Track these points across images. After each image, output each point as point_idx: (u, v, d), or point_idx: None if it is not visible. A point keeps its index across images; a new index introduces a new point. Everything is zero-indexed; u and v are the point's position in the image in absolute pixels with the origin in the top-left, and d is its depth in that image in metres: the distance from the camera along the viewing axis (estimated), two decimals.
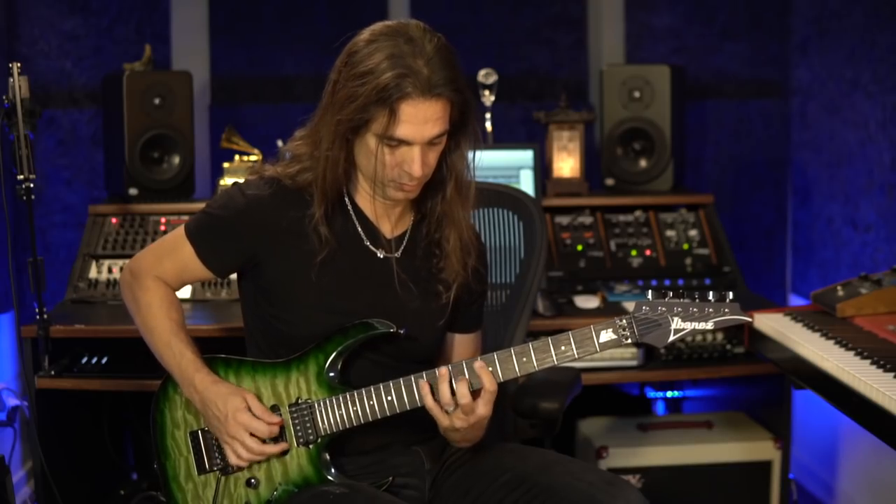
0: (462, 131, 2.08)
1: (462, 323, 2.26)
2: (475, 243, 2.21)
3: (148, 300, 2.17)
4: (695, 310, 1.97)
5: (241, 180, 2.20)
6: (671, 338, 1.97)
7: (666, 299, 1.98)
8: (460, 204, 2.14)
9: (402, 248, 2.16)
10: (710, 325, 1.97)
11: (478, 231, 2.32)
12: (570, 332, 2.01)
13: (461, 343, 2.27)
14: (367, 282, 2.13)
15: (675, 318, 1.97)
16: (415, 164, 1.99)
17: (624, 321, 2.00)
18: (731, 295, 1.97)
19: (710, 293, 1.98)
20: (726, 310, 1.97)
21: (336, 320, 2.09)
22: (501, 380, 2.04)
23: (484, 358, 2.04)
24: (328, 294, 2.10)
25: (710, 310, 1.97)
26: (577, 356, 2.00)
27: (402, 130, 1.97)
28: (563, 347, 2.01)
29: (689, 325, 1.97)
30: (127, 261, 3.29)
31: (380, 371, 2.10)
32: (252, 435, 2.05)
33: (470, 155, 2.11)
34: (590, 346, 2.00)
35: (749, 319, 2.01)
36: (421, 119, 1.96)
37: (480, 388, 2.01)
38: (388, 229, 2.16)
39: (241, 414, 2.04)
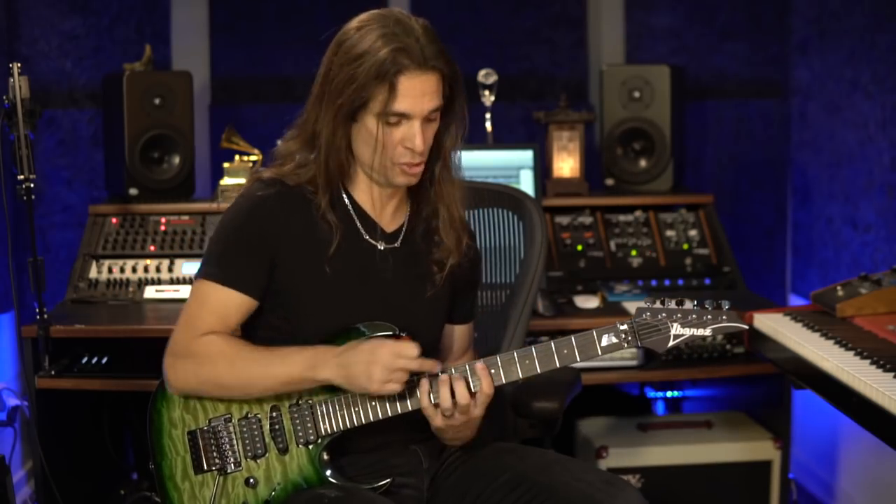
0: (450, 110, 2.10)
1: (459, 313, 2.29)
2: (466, 228, 2.23)
3: (208, 353, 2.06)
4: (694, 316, 2.03)
5: (242, 192, 2.15)
6: (671, 343, 2.02)
7: (666, 305, 2.03)
8: (451, 182, 2.16)
9: (401, 239, 2.18)
10: (707, 332, 2.03)
11: (473, 230, 2.33)
12: (572, 336, 2.04)
13: (459, 333, 2.30)
14: (371, 277, 2.14)
15: (675, 324, 2.02)
16: (416, 138, 2.02)
17: (625, 326, 2.03)
18: (727, 304, 2.02)
19: (708, 301, 2.03)
20: (724, 317, 2.03)
21: (342, 319, 2.10)
22: (504, 381, 2.06)
23: (486, 360, 2.06)
24: (334, 291, 2.11)
25: (709, 317, 2.02)
26: (579, 360, 2.04)
27: (401, 104, 2.00)
28: (565, 351, 2.04)
29: (687, 332, 2.02)
30: (127, 261, 3.36)
31: None
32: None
33: (458, 134, 2.13)
34: (592, 350, 2.04)
35: (745, 327, 2.06)
36: (419, 92, 2.00)
37: (477, 391, 2.03)
38: (386, 223, 2.18)
39: (383, 346, 2.00)
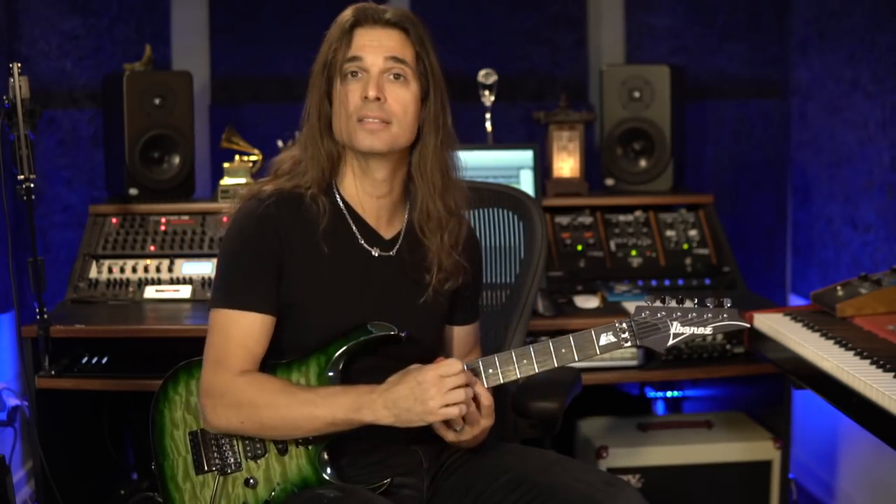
0: (427, 87, 2.11)
1: (461, 315, 2.29)
2: (465, 231, 2.23)
3: (249, 396, 2.03)
4: (694, 315, 2.02)
5: (242, 210, 2.13)
6: (670, 342, 2.02)
7: (665, 304, 2.02)
8: (432, 171, 2.14)
9: (398, 245, 2.18)
10: (708, 331, 2.02)
11: (475, 230, 2.33)
12: (570, 335, 2.04)
13: (460, 335, 2.30)
14: (366, 282, 2.14)
15: (675, 323, 2.02)
16: (370, 84, 2.04)
17: (624, 324, 2.04)
18: (728, 302, 2.01)
19: (709, 300, 2.01)
20: (724, 315, 2.02)
21: (340, 326, 2.10)
22: (502, 382, 2.07)
23: (484, 360, 2.06)
24: (332, 294, 2.11)
25: (709, 315, 2.02)
26: (577, 359, 2.04)
27: (354, 50, 2.07)
28: (563, 350, 2.04)
29: (687, 330, 2.02)
30: (127, 261, 3.36)
31: (380, 372, 2.10)
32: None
33: (438, 115, 2.12)
34: (590, 349, 2.04)
35: (747, 325, 2.05)
36: (375, 41, 2.07)
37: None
38: (383, 229, 2.18)
39: (425, 372, 1.97)
